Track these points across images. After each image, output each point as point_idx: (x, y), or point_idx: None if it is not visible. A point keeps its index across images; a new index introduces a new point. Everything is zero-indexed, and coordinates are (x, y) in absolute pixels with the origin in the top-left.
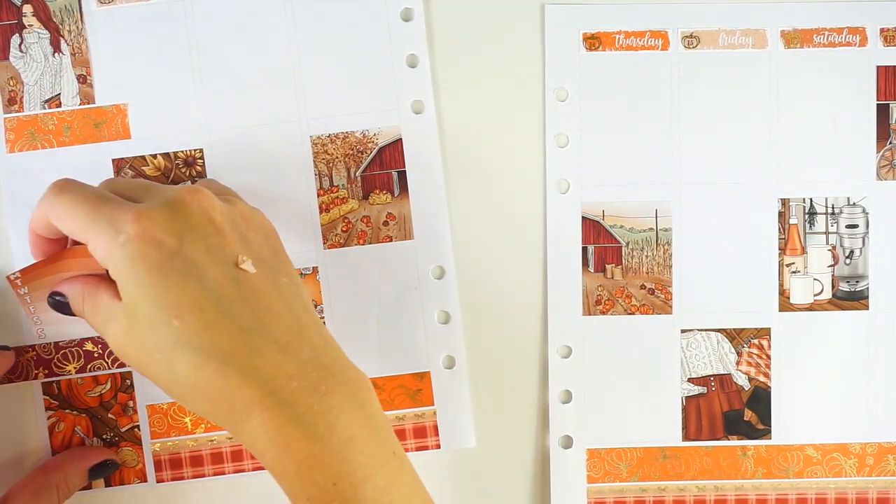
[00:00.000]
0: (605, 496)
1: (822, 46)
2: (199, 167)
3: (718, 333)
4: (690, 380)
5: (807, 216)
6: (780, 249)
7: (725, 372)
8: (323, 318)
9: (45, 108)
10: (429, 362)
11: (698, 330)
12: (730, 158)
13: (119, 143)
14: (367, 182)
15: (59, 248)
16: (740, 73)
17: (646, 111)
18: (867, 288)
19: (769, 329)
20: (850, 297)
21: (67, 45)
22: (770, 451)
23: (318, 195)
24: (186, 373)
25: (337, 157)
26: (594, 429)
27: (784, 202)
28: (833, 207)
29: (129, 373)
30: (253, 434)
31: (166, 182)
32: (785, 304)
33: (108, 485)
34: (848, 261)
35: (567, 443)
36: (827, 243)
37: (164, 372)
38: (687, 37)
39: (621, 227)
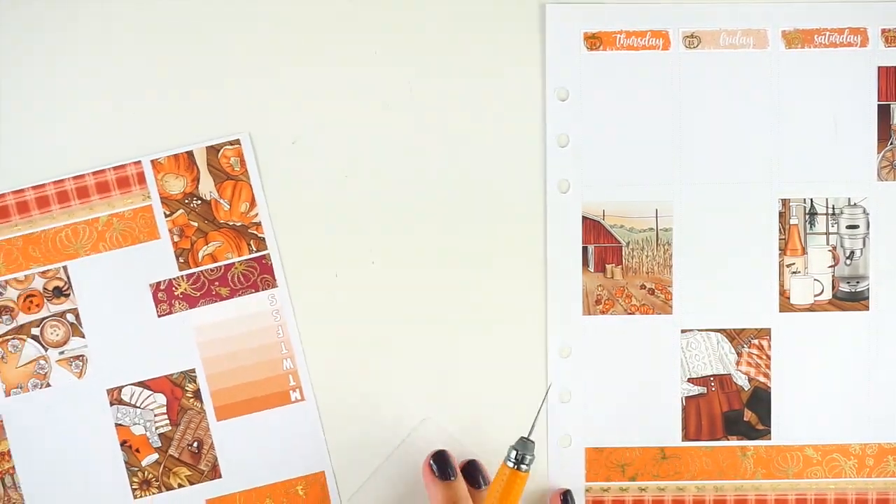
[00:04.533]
0: (604, 496)
1: (822, 47)
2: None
3: (718, 333)
4: (690, 380)
5: (807, 216)
6: (780, 250)
7: (725, 372)
8: None
9: None
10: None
11: (698, 330)
12: (730, 158)
13: None
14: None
15: None
16: (741, 73)
17: (646, 111)
18: (867, 288)
19: (769, 329)
20: (850, 298)
21: None
22: (770, 452)
23: None
24: None
25: None
26: (594, 428)
27: (784, 202)
28: (833, 208)
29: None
30: None
31: None
32: (785, 305)
33: None
34: (848, 261)
35: (566, 442)
36: (827, 244)
37: None
38: (688, 37)
39: (621, 226)
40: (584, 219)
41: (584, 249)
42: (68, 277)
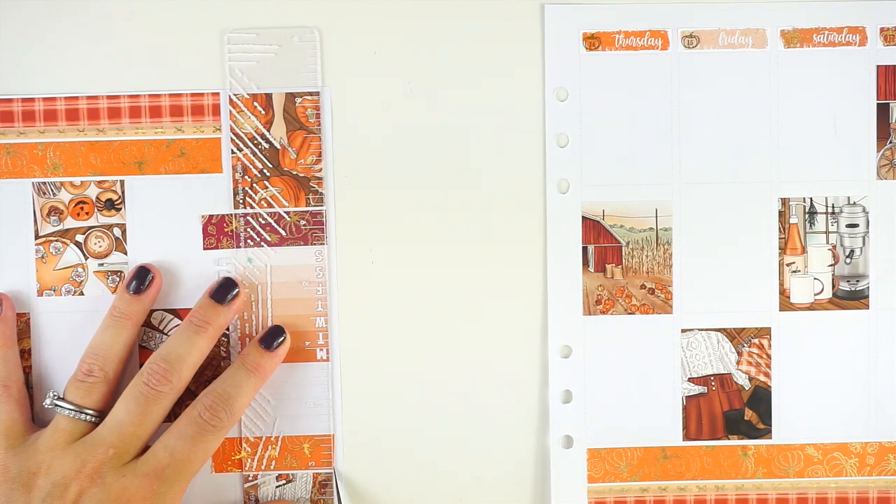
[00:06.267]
0: (605, 496)
1: (822, 46)
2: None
3: (719, 333)
4: (691, 379)
5: (807, 215)
6: (780, 249)
7: (726, 371)
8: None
9: None
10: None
11: (698, 329)
12: (730, 158)
13: None
14: None
15: None
16: (740, 72)
17: (646, 111)
18: (867, 287)
19: (769, 328)
20: (850, 297)
21: None
22: (770, 451)
23: None
24: None
25: None
26: (594, 429)
27: (784, 201)
28: (833, 207)
29: None
30: None
31: None
32: (785, 304)
33: None
34: (848, 260)
35: (567, 443)
36: (827, 242)
37: None
38: (687, 36)
39: (621, 226)
40: (584, 219)
41: (584, 249)
42: (123, 192)
